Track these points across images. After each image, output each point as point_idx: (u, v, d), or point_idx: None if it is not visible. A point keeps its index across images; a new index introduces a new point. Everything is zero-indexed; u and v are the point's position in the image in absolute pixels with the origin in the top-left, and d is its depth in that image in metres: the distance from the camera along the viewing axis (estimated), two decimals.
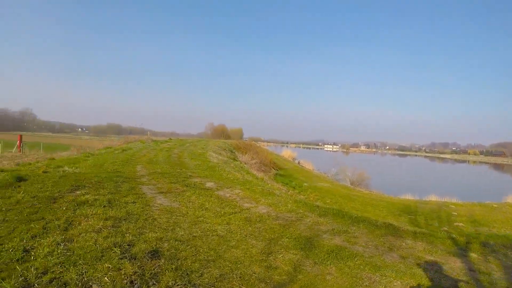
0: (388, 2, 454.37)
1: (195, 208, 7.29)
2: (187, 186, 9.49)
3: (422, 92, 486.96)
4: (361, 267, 5.09)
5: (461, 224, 18.97)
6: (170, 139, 42.48)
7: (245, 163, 27.18)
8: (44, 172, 10.15)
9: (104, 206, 6.53)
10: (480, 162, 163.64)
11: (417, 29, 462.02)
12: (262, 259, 5.04)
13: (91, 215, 5.96)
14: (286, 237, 6.11)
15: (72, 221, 5.61)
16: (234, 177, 12.69)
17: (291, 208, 8.35)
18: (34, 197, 6.87)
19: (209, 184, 10.39)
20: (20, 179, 8.64)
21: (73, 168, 11.11)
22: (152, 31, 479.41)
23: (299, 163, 68.69)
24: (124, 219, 5.92)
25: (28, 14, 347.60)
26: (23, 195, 6.98)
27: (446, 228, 20.26)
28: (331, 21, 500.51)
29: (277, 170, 42.63)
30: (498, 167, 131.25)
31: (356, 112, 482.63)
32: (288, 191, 16.06)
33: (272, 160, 45.27)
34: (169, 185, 9.47)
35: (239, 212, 7.47)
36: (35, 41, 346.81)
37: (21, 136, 38.64)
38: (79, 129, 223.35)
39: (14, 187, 7.86)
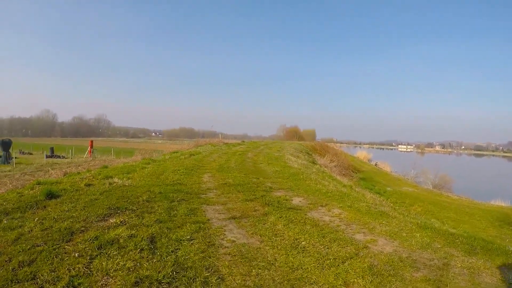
0: None
1: (286, 248, 4.48)
2: (268, 205, 6.70)
3: (498, 87, 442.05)
4: None
5: None
6: (243, 141, 40.62)
7: (325, 167, 24.13)
8: (87, 185, 8.06)
9: (142, 250, 3.96)
10: None
11: (488, 19, 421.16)
12: None
13: (114, 271, 3.42)
14: None
15: (77, 285, 3.14)
16: (324, 188, 9.65)
17: (423, 241, 5.26)
18: (46, 229, 4.57)
19: (296, 201, 7.55)
20: (51, 195, 6.58)
21: (125, 179, 8.92)
22: (225, 35, 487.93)
23: (376, 164, 64.44)
24: (168, 283, 3.29)
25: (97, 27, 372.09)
26: (34, 224, 4.74)
27: None
28: (405, 19, 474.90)
29: (356, 172, 39.07)
30: None
31: (429, 111, 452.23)
32: (377, 198, 12.85)
33: (350, 162, 41.69)
34: (244, 204, 6.74)
35: (355, 254, 4.52)
36: (111, 49, 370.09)
37: (92, 141, 39.38)
38: (153, 133, 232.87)
39: (37, 208, 5.78)
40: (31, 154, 45.56)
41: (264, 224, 5.41)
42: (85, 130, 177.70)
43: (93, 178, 9.10)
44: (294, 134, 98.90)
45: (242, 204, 6.70)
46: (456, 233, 6.20)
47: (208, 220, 5.41)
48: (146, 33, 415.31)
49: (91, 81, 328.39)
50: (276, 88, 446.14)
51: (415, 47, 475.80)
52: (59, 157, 38.96)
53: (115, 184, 8.20)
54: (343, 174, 27.92)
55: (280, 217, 5.81)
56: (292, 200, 7.55)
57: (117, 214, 5.39)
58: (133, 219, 5.16)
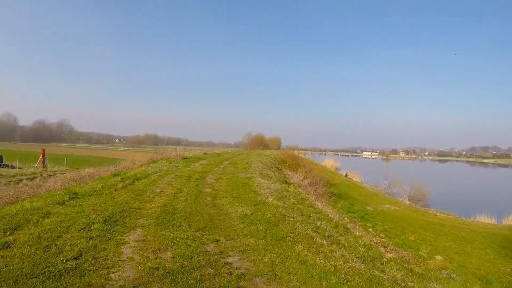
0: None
1: None
2: None
3: (459, 93, 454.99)
4: None
5: None
6: (205, 153, 36.54)
7: (299, 186, 20.63)
8: None
9: None
10: None
11: (447, 29, 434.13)
12: None
13: None
14: None
15: None
16: (330, 266, 5.59)
17: None
18: None
19: None
20: None
21: None
22: (193, 41, 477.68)
23: (346, 175, 61.60)
24: None
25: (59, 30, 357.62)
26: None
27: None
28: (368, 24, 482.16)
29: (329, 187, 35.82)
30: None
31: (392, 117, 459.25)
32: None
33: (323, 175, 38.27)
34: None
35: None
36: (76, 54, 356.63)
37: (43, 150, 34.84)
38: (116, 140, 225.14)
39: None
40: None
41: None
42: (47, 135, 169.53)
43: None
44: (259, 142, 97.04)
45: None
46: None
47: None
48: (112, 38, 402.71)
49: (55, 85, 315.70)
50: (241, 94, 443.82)
51: (378, 53, 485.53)
52: (8, 166, 33.78)
53: None
54: (319, 194, 24.57)
55: None
56: None
57: None
58: None
